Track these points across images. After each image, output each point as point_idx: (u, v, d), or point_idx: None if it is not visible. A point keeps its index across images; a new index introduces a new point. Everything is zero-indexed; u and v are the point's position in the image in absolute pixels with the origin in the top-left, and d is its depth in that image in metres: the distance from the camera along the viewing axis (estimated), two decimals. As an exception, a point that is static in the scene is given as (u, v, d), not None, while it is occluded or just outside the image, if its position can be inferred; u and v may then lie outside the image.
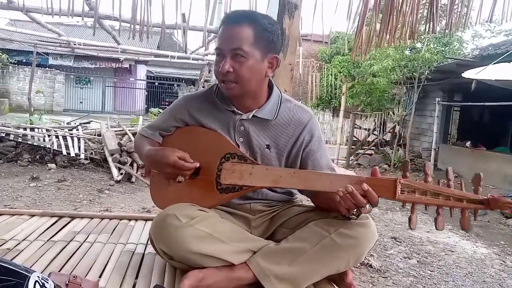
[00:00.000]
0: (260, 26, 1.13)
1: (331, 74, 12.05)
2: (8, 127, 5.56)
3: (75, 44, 6.71)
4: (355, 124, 9.18)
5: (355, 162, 8.52)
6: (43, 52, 13.07)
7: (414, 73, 7.71)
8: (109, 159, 4.90)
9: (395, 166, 7.76)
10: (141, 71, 18.56)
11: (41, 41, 7.68)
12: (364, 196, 0.99)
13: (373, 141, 9.31)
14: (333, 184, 1.03)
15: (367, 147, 9.11)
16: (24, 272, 0.82)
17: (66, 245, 1.41)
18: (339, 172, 1.24)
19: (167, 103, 15.66)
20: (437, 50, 7.65)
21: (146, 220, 1.78)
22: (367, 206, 1.00)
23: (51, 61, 15.94)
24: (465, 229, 0.99)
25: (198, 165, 1.15)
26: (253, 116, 1.21)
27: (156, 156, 1.17)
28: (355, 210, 1.01)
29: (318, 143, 1.24)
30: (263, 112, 1.21)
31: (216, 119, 1.24)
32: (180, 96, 1.43)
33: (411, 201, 0.99)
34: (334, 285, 1.18)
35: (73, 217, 1.76)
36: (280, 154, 1.23)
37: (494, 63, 5.51)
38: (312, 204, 1.27)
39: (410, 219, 1.01)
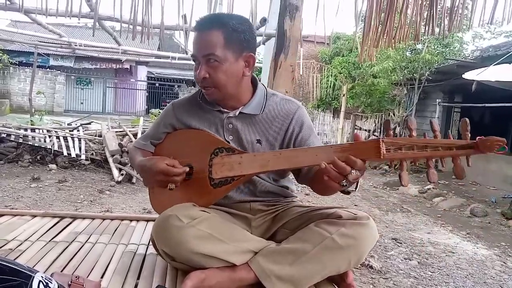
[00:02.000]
0: (229, 28, 1.14)
1: (331, 75, 12.05)
2: (9, 127, 5.57)
3: (76, 45, 6.73)
4: (356, 125, 9.19)
5: (356, 163, 8.51)
6: (44, 53, 13.10)
7: (414, 74, 7.72)
8: (110, 159, 4.91)
9: (396, 167, 7.76)
10: (142, 72, 18.59)
11: (42, 42, 7.70)
12: (346, 162, 0.98)
13: (373, 142, 9.29)
14: (319, 156, 1.03)
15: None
16: (28, 272, 0.82)
17: (68, 246, 1.41)
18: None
19: (167, 104, 15.63)
20: (437, 51, 7.66)
21: (147, 221, 1.78)
22: (353, 172, 0.98)
23: (52, 62, 15.97)
24: (460, 177, 0.96)
25: (187, 169, 1.17)
26: (240, 112, 1.23)
27: (146, 166, 1.20)
28: (343, 180, 1.00)
29: (309, 131, 1.25)
30: (248, 108, 1.23)
31: (203, 120, 1.26)
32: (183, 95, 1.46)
33: (398, 158, 0.96)
34: (335, 286, 1.18)
35: (74, 218, 1.76)
36: (272, 147, 1.24)
37: (494, 64, 5.52)
38: (313, 205, 1.27)
39: (400, 176, 0.98)
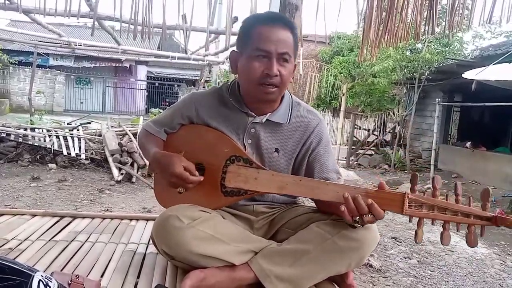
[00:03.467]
0: (296, 33, 1.17)
1: (331, 75, 12.06)
2: (9, 127, 5.56)
3: (76, 45, 6.71)
4: (355, 125, 9.19)
5: (356, 162, 8.53)
6: (43, 53, 13.07)
7: (414, 74, 7.73)
8: (110, 159, 4.91)
9: (395, 167, 7.77)
10: (142, 72, 18.59)
11: (41, 41, 7.69)
12: (368, 207, 0.99)
13: (373, 141, 9.32)
14: (339, 195, 1.03)
15: (367, 148, 9.12)
16: (28, 271, 0.82)
17: (68, 245, 1.41)
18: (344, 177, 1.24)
19: (167, 104, 15.67)
20: (437, 50, 7.66)
21: (147, 220, 1.78)
22: (369, 215, 0.99)
23: (51, 61, 15.96)
24: (471, 245, 0.99)
25: (202, 179, 1.14)
26: (267, 120, 1.21)
27: (162, 162, 1.16)
28: (358, 218, 1.01)
29: (325, 147, 1.25)
30: (276, 116, 1.21)
31: (224, 119, 1.23)
32: (184, 94, 1.44)
33: (418, 216, 0.99)
34: (335, 286, 1.18)
35: (74, 217, 1.76)
36: (289, 158, 1.23)
37: (494, 64, 5.52)
38: (314, 205, 1.28)
39: (416, 233, 1.00)
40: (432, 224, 1.01)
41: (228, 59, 1.26)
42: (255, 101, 1.20)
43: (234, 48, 1.25)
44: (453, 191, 1.01)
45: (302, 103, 1.29)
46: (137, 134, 1.53)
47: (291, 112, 1.23)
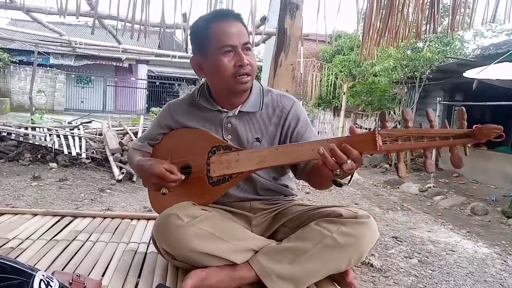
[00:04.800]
0: (244, 23, 1.21)
1: (332, 74, 12.04)
2: (10, 126, 5.57)
3: (76, 44, 6.72)
4: (356, 124, 9.18)
5: (356, 161, 8.52)
6: (44, 52, 13.08)
7: (415, 73, 7.72)
8: (110, 158, 4.91)
9: (396, 166, 7.77)
10: (142, 71, 18.57)
11: (42, 40, 7.69)
12: (342, 151, 0.97)
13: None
14: (315, 151, 1.02)
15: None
16: (29, 271, 0.82)
17: (69, 244, 1.41)
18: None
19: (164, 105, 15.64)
20: (438, 49, 7.65)
21: (148, 219, 1.78)
22: (348, 162, 0.97)
23: (52, 60, 15.95)
24: (457, 166, 0.94)
25: (183, 177, 1.17)
26: (239, 111, 1.23)
27: (144, 166, 1.20)
28: (338, 169, 0.99)
29: (305, 125, 1.26)
30: (247, 106, 1.23)
31: (202, 120, 1.26)
32: (183, 94, 1.46)
33: (395, 150, 0.96)
34: (336, 284, 1.18)
35: (75, 216, 1.76)
36: (271, 144, 1.24)
37: (495, 63, 5.51)
38: (313, 204, 1.28)
39: (397, 168, 0.98)
40: (412, 155, 0.98)
41: (191, 66, 1.26)
42: (229, 96, 1.22)
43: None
44: (426, 119, 0.97)
45: (273, 90, 1.32)
46: (127, 154, 1.60)
47: (262, 100, 1.25)
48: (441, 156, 0.97)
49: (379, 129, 0.97)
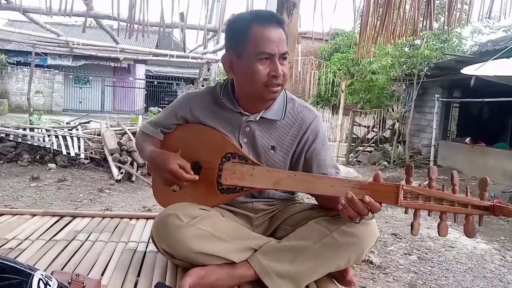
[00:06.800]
0: (285, 28, 1.16)
1: (330, 72, 12.04)
2: (8, 127, 5.56)
3: (74, 44, 6.70)
4: (355, 121, 9.19)
5: (355, 159, 8.53)
6: (41, 52, 13.06)
7: (413, 70, 7.72)
8: (109, 158, 4.90)
9: (395, 163, 7.78)
10: (140, 70, 18.54)
11: (39, 41, 7.66)
12: (366, 205, 0.98)
13: (372, 138, 9.32)
14: (335, 188, 1.02)
15: (366, 144, 9.12)
16: (28, 271, 0.82)
17: (68, 244, 1.41)
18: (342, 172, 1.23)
19: (166, 102, 15.64)
20: (436, 46, 7.66)
21: (147, 218, 1.79)
22: (369, 214, 0.99)
23: (49, 61, 15.92)
24: (469, 235, 0.97)
25: (197, 178, 1.14)
26: (261, 117, 1.20)
27: (158, 159, 1.16)
28: (358, 218, 1.01)
29: (322, 142, 1.24)
30: (270, 113, 1.20)
31: (219, 118, 1.23)
32: (182, 93, 1.42)
33: (414, 207, 0.97)
34: (335, 282, 1.19)
35: (74, 216, 1.76)
36: (285, 155, 1.23)
37: (493, 59, 5.52)
38: (313, 202, 1.28)
39: (412, 225, 0.99)
40: (429, 215, 1.00)
41: (222, 62, 1.23)
42: (254, 101, 1.19)
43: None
44: (450, 181, 1.00)
45: (296, 99, 1.28)
46: (135, 136, 1.54)
47: (285, 108, 1.23)
48: (456, 221, 0.99)
49: (404, 183, 0.98)
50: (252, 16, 1.15)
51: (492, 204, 0.94)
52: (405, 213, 1.01)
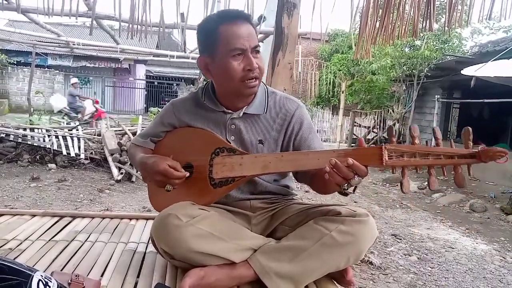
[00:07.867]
0: (253, 23, 1.19)
1: (331, 72, 12.05)
2: (8, 127, 5.56)
3: (74, 44, 6.71)
4: (355, 122, 9.20)
5: (355, 160, 8.53)
6: (42, 53, 13.06)
7: (413, 71, 7.73)
8: (109, 158, 4.91)
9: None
10: (140, 71, 18.54)
11: (40, 41, 7.68)
12: (350, 168, 0.98)
13: (372, 138, 9.32)
14: (320, 161, 1.03)
15: (366, 145, 9.12)
16: (27, 271, 0.82)
17: (68, 245, 1.41)
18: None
19: (166, 103, 15.62)
20: (436, 47, 7.66)
21: (147, 219, 1.78)
22: (356, 177, 0.99)
23: (50, 61, 15.93)
24: (460, 185, 0.97)
25: (187, 174, 1.16)
26: (244, 113, 1.22)
27: (147, 164, 1.19)
28: (345, 184, 1.00)
29: (308, 130, 1.25)
30: (252, 108, 1.23)
31: (205, 120, 1.25)
32: (182, 94, 1.44)
33: (400, 165, 0.97)
34: (335, 282, 1.19)
35: (74, 217, 1.76)
36: (274, 147, 1.24)
37: (493, 60, 5.52)
38: (312, 202, 1.28)
39: (401, 183, 0.99)
40: (417, 171, 0.99)
41: (197, 65, 1.25)
42: (235, 98, 1.21)
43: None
44: (433, 136, 0.99)
45: (278, 92, 1.30)
46: (127, 149, 1.57)
47: (267, 102, 1.25)
48: (445, 175, 0.98)
49: (386, 144, 0.97)
50: (219, 16, 1.18)
51: (477, 150, 0.93)
52: (392, 173, 1.01)
